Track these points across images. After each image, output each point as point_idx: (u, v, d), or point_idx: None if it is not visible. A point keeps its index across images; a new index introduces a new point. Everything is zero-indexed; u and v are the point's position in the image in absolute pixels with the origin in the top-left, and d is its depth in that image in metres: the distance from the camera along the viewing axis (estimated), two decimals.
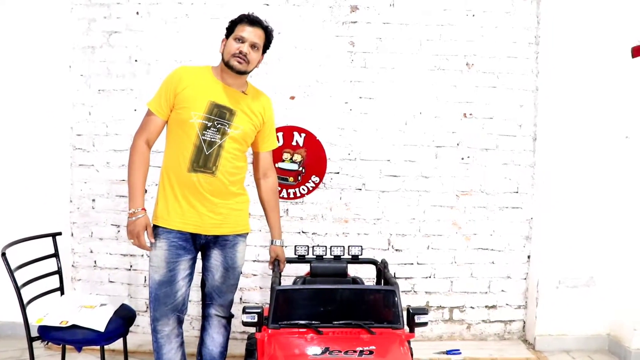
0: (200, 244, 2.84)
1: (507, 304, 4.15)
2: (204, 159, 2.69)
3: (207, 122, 2.69)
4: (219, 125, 2.71)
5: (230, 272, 2.90)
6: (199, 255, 2.93)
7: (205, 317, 2.98)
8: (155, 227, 2.79)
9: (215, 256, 2.87)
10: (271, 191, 3.06)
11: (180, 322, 2.84)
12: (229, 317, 3.01)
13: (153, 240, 2.74)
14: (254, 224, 3.98)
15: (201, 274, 2.95)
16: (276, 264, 3.07)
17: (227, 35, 2.77)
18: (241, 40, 2.71)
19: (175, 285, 2.76)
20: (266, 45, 2.84)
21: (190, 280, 2.86)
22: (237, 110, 2.76)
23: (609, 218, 3.96)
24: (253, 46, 2.73)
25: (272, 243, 3.09)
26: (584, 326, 4.03)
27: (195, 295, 3.85)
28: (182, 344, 2.87)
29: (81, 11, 4.00)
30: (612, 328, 4.01)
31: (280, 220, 3.15)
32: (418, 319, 2.58)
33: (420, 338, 4.05)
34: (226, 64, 2.73)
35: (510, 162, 4.07)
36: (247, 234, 2.99)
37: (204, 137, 2.68)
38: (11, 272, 2.83)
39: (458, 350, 3.90)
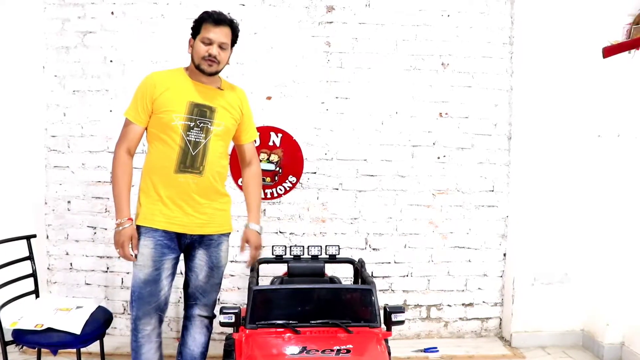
0: (185, 244, 2.83)
1: (483, 302, 4.19)
2: (190, 160, 2.70)
3: (189, 123, 2.70)
4: (202, 124, 2.72)
5: (214, 271, 2.90)
6: (182, 256, 2.92)
7: (187, 317, 2.96)
8: (139, 227, 2.77)
9: (200, 256, 2.87)
10: (254, 175, 3.05)
11: (161, 321, 2.83)
12: (211, 317, 3.00)
13: (136, 252, 2.72)
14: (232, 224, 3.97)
15: (184, 275, 2.94)
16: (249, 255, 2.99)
17: (193, 35, 2.75)
18: (209, 42, 2.69)
19: (159, 284, 2.75)
20: (233, 40, 2.83)
21: (172, 280, 2.85)
22: (217, 106, 2.77)
23: (583, 215, 4.01)
24: (221, 47, 2.72)
25: (246, 227, 3.00)
26: (558, 322, 4.09)
27: (173, 296, 3.84)
28: (160, 345, 2.86)
29: (55, 11, 3.96)
30: (586, 324, 4.07)
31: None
32: (395, 317, 2.62)
33: (398, 336, 4.08)
34: (197, 67, 2.73)
35: (485, 161, 4.11)
36: (230, 233, 3.00)
37: (188, 138, 2.69)
38: None
39: (435, 348, 3.94)
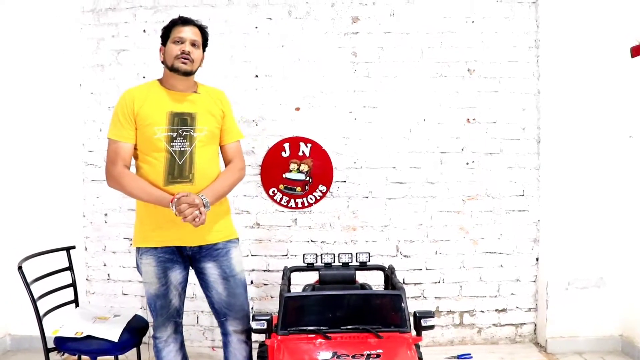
0: (187, 255, 2.81)
1: (517, 307, 4.15)
2: (178, 170, 2.68)
3: (172, 133, 2.68)
4: (184, 133, 2.70)
5: (231, 280, 2.83)
6: (196, 278, 2.92)
7: (223, 334, 2.93)
8: (138, 248, 2.80)
9: (211, 269, 2.82)
10: (229, 168, 2.90)
11: (177, 327, 2.87)
12: (248, 331, 2.91)
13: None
14: (262, 234, 4.05)
15: (205, 295, 2.91)
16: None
17: (164, 43, 2.78)
18: (180, 41, 2.72)
19: (168, 297, 2.78)
20: (204, 44, 2.86)
21: (184, 288, 2.86)
22: (196, 112, 2.75)
23: (616, 217, 3.96)
24: (193, 44, 2.74)
25: None
26: (595, 327, 4.02)
27: (206, 305, 3.91)
28: (181, 346, 2.91)
29: (90, 31, 4.10)
30: (625, 328, 4.00)
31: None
32: (425, 322, 2.63)
33: (431, 343, 4.08)
34: (171, 68, 2.72)
35: (515, 166, 4.10)
36: (237, 239, 2.93)
37: (173, 149, 2.67)
38: (27, 285, 2.90)
39: (469, 354, 3.92)
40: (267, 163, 4.06)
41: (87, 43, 4.11)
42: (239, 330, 2.89)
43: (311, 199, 4.09)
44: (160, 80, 2.83)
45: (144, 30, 4.07)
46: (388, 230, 4.11)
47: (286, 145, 4.03)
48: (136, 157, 2.79)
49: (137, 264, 2.85)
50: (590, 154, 3.95)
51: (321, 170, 4.07)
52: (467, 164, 4.09)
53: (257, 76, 4.03)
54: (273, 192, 4.06)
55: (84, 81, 4.11)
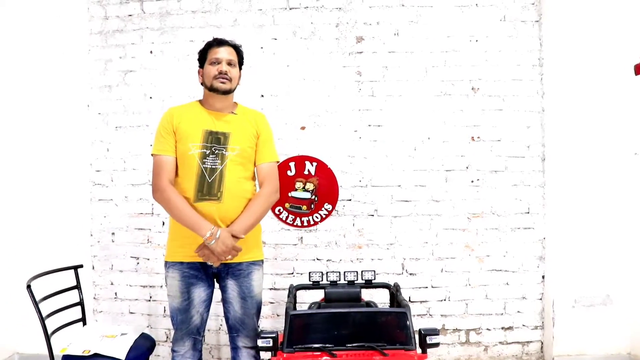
0: (212, 272, 2.89)
1: (523, 325, 4.13)
2: (207, 187, 2.76)
3: (205, 151, 2.79)
4: (217, 151, 2.80)
5: (248, 301, 2.91)
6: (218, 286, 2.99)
7: (233, 348, 2.97)
8: (166, 262, 2.89)
9: (231, 287, 2.90)
10: (259, 194, 2.91)
11: (195, 343, 2.91)
12: (256, 347, 2.91)
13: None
14: (268, 252, 4.05)
15: (222, 308, 2.99)
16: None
17: (201, 65, 2.91)
18: (217, 61, 2.83)
19: (189, 312, 2.85)
20: (240, 62, 2.96)
21: (208, 307, 2.93)
22: (230, 131, 2.85)
23: (622, 235, 3.96)
24: (229, 64, 2.85)
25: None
26: (603, 345, 3.99)
27: (214, 324, 3.93)
28: None
29: (98, 52, 4.17)
30: (633, 347, 3.97)
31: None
32: (430, 339, 2.63)
33: None
34: (210, 88, 2.84)
35: (520, 183, 4.10)
36: (262, 261, 3.01)
37: (204, 165, 2.77)
38: (36, 304, 2.93)
39: None
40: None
41: (95, 64, 4.17)
42: (249, 345, 2.94)
43: (317, 217, 4.10)
44: (200, 101, 2.96)
45: (151, 52, 4.13)
46: (394, 248, 4.11)
47: (292, 164, 4.06)
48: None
49: (165, 278, 2.93)
50: (595, 171, 3.96)
51: (327, 189, 4.09)
52: (472, 181, 4.10)
53: (262, 96, 4.07)
54: (279, 210, 4.08)
55: (92, 102, 4.16)
